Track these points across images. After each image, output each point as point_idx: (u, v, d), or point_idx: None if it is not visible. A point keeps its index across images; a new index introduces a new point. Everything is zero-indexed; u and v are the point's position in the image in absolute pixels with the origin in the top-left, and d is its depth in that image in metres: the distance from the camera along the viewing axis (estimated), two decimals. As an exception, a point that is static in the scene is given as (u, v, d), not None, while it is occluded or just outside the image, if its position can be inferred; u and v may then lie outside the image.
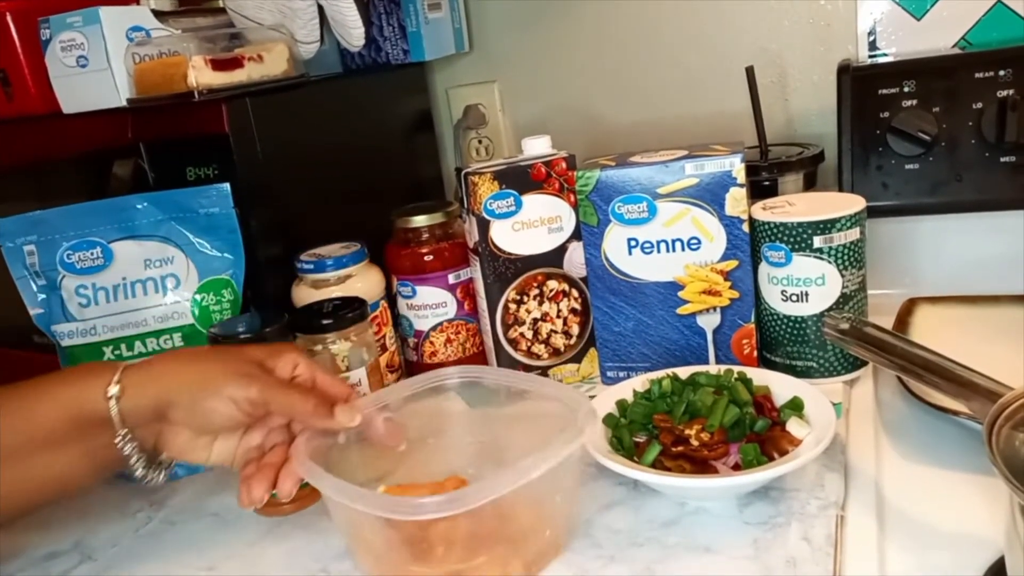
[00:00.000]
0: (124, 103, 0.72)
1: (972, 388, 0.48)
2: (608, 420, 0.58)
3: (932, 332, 0.68)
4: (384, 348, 0.73)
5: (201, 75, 0.67)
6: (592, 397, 0.61)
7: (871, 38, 0.83)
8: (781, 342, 0.66)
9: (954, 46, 0.80)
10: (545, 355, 0.73)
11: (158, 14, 0.76)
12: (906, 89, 0.74)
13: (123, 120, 0.72)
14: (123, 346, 0.66)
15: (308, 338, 0.61)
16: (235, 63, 0.70)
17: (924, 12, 0.80)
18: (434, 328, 0.75)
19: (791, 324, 0.65)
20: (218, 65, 0.69)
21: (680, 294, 0.66)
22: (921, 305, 0.73)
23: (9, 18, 0.76)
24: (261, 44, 0.74)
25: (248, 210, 0.69)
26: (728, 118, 0.89)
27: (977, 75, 0.72)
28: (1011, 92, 0.70)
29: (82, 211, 0.67)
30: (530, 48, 0.98)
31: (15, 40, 0.76)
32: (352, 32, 0.72)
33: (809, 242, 0.62)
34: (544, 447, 0.46)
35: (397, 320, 0.77)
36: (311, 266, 0.70)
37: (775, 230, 0.63)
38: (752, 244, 0.65)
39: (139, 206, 0.67)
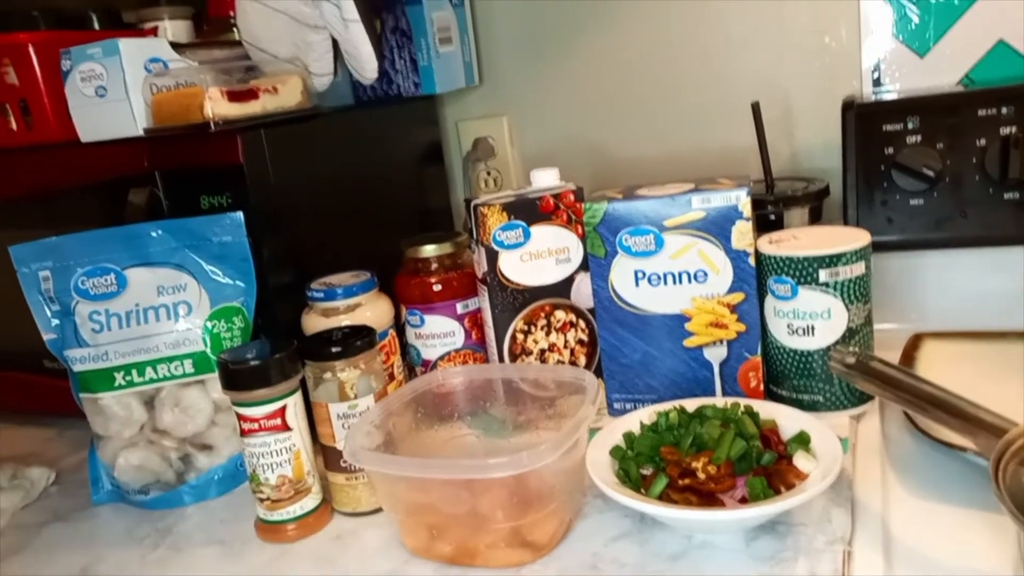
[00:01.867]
0: (141, 132, 0.73)
1: (978, 424, 0.48)
2: (615, 452, 0.58)
3: (938, 367, 0.69)
4: (392, 377, 0.74)
5: (217, 106, 0.69)
6: (598, 429, 0.61)
7: (875, 75, 0.84)
8: (787, 375, 0.66)
9: (957, 83, 0.81)
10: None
11: (176, 46, 0.78)
12: (910, 125, 0.75)
13: (139, 149, 0.74)
14: (134, 372, 0.67)
15: (317, 365, 0.61)
16: (250, 95, 0.71)
17: (927, 50, 0.82)
18: (442, 357, 0.76)
19: (797, 357, 0.65)
20: (234, 96, 0.70)
21: (687, 326, 0.67)
22: (927, 340, 0.74)
23: (31, 50, 0.78)
24: (276, 76, 0.75)
25: (260, 238, 0.70)
26: (734, 152, 0.91)
27: (980, 112, 0.73)
28: (1014, 129, 0.71)
29: (97, 238, 0.68)
30: (538, 82, 0.99)
31: (36, 71, 0.78)
32: (366, 66, 0.74)
33: (815, 276, 0.62)
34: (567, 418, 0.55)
35: (405, 349, 0.77)
36: (321, 294, 0.71)
37: (781, 264, 0.63)
38: (758, 277, 0.65)
39: (154, 234, 0.68)
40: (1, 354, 0.90)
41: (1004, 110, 0.72)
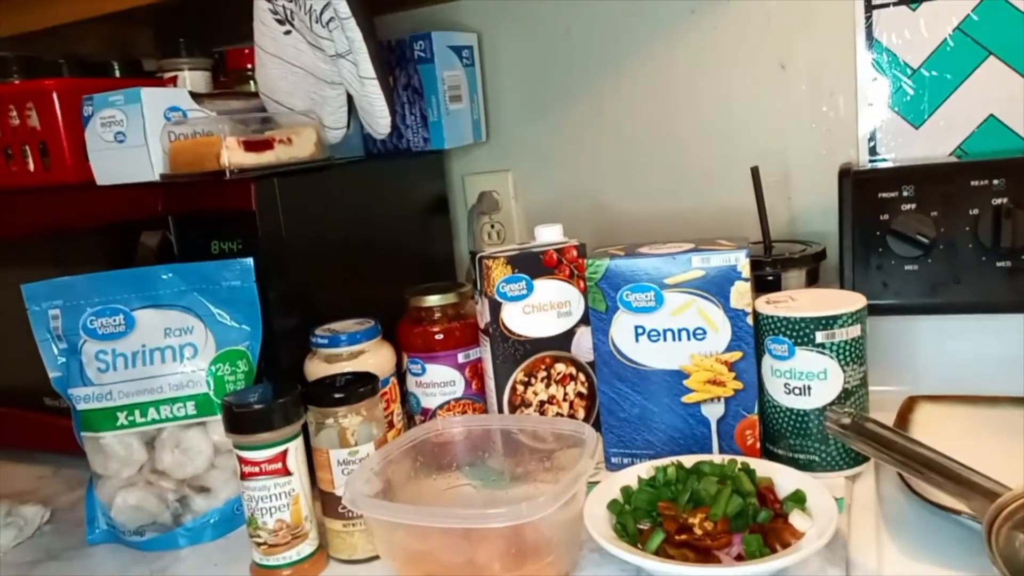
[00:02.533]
0: (157, 178, 0.75)
1: (972, 487, 0.49)
2: (612, 506, 0.59)
3: (932, 430, 0.69)
4: (391, 425, 0.74)
5: (234, 155, 0.71)
6: (595, 483, 0.62)
7: (871, 143, 0.87)
8: (784, 435, 0.67)
9: (951, 154, 0.84)
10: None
11: (195, 95, 0.80)
12: (905, 193, 0.77)
13: (155, 193, 0.75)
14: (137, 412, 0.67)
15: (320, 411, 0.62)
16: (266, 145, 0.74)
17: (922, 121, 0.85)
18: (441, 406, 0.76)
19: (794, 417, 0.66)
20: (250, 146, 0.72)
21: (685, 383, 0.68)
22: (921, 403, 0.75)
23: (55, 95, 0.80)
24: (291, 128, 0.78)
25: (267, 284, 0.71)
26: (733, 213, 0.93)
27: (973, 183, 0.75)
28: (1005, 200, 0.73)
29: (108, 279, 0.69)
30: (543, 140, 1.02)
31: (58, 115, 0.81)
32: (379, 121, 0.76)
33: (812, 337, 0.64)
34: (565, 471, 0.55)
35: (405, 397, 0.78)
36: (325, 341, 0.72)
37: (778, 324, 0.65)
38: (756, 337, 0.66)
39: (164, 276, 0.69)
40: (2, 390, 0.90)
41: (996, 181, 0.74)
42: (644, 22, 0.94)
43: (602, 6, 0.96)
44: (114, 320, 0.68)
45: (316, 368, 0.73)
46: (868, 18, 0.84)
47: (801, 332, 0.64)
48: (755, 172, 0.81)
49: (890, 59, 0.84)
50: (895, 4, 0.83)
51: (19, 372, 0.87)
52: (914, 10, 0.82)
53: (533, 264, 0.71)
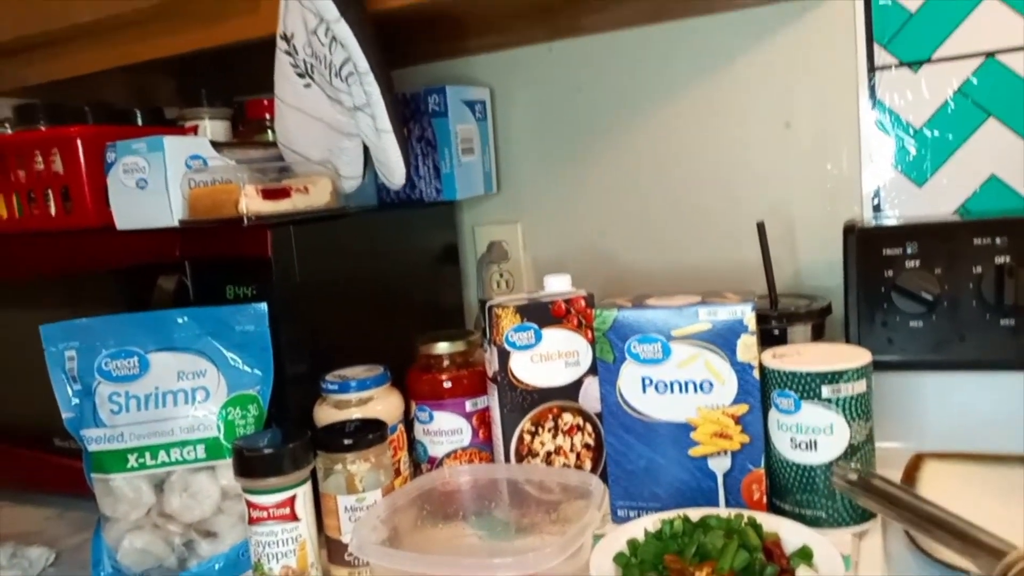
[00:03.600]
0: (176, 223, 0.77)
1: (978, 545, 0.49)
2: (619, 559, 0.59)
3: (939, 488, 0.69)
4: (398, 472, 0.74)
5: (252, 203, 0.73)
6: (601, 535, 0.62)
7: (875, 201, 0.89)
8: (790, 489, 0.67)
9: (954, 212, 0.85)
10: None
11: (215, 144, 0.83)
12: (909, 250, 0.78)
13: (173, 238, 0.77)
14: (147, 454, 0.68)
15: (329, 456, 0.63)
16: (283, 193, 0.76)
17: (925, 180, 0.86)
18: (448, 455, 0.77)
19: (800, 472, 0.66)
20: (268, 194, 0.74)
21: (692, 435, 0.68)
22: (928, 460, 0.75)
23: (79, 142, 0.83)
24: (307, 177, 0.80)
25: (280, 329, 0.72)
26: (740, 267, 0.94)
27: (976, 241, 0.76)
28: (1008, 259, 0.74)
29: (125, 321, 0.70)
30: (552, 192, 1.04)
31: (81, 161, 0.83)
32: (394, 172, 0.78)
33: (818, 391, 0.64)
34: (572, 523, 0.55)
35: (412, 445, 0.78)
36: (335, 387, 0.73)
37: (785, 378, 0.65)
38: (762, 390, 0.67)
39: (180, 320, 0.70)
40: (12, 430, 0.91)
41: (998, 240, 0.75)
42: (653, 80, 0.97)
43: (612, 64, 0.98)
44: (129, 362, 0.69)
45: (325, 413, 0.73)
46: (871, 79, 0.87)
47: (807, 386, 0.64)
48: (761, 227, 0.82)
49: (893, 119, 0.86)
50: (897, 66, 0.85)
51: (29, 412, 0.88)
52: (915, 72, 0.85)
53: (542, 313, 0.72)
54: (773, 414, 0.67)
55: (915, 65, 0.85)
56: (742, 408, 0.67)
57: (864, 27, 0.86)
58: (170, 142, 0.78)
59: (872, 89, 0.87)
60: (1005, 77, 0.81)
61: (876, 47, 0.86)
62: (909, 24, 0.84)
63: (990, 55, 0.82)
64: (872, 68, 0.86)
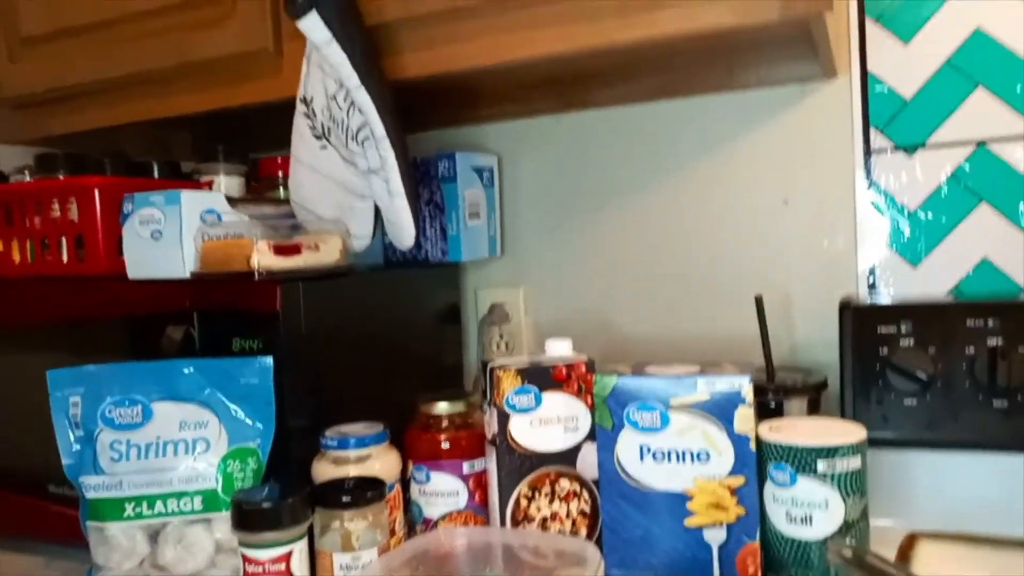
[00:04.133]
0: (187, 275, 0.78)
1: (972, 628, 0.49)
2: (612, 627, 0.59)
3: (933, 569, 0.69)
4: (393, 532, 0.74)
5: (263, 258, 0.74)
6: (597, 601, 0.62)
7: (870, 279, 0.91)
8: (785, 564, 0.67)
9: (948, 293, 0.87)
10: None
11: (229, 199, 0.85)
12: (903, 329, 0.80)
13: (183, 289, 0.79)
14: (144, 504, 0.68)
15: (327, 513, 0.63)
16: (294, 250, 0.77)
17: (919, 260, 0.88)
18: (443, 516, 0.77)
19: (796, 547, 0.66)
20: (280, 250, 0.76)
21: (688, 505, 0.68)
22: (922, 541, 0.75)
23: (96, 191, 0.85)
24: (319, 235, 0.82)
25: (283, 383, 0.73)
26: (737, 338, 0.96)
27: (969, 323, 0.78)
28: (1000, 341, 0.76)
29: (131, 370, 0.71)
30: (555, 258, 1.06)
31: (97, 210, 0.85)
32: (405, 234, 0.80)
33: (813, 466, 0.65)
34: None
35: (407, 505, 0.78)
36: (335, 443, 0.73)
37: (781, 451, 0.66)
38: (758, 463, 0.68)
39: (186, 371, 0.71)
40: (6, 474, 0.91)
41: (991, 322, 0.77)
42: (657, 154, 1.00)
43: (619, 137, 1.02)
44: (132, 411, 0.70)
45: (323, 469, 0.74)
46: (867, 161, 0.90)
47: (803, 461, 0.65)
48: (759, 301, 0.84)
49: (888, 200, 0.89)
50: (893, 150, 0.89)
51: (25, 457, 0.88)
52: (910, 156, 0.88)
53: (543, 377, 0.73)
54: (769, 487, 0.67)
55: (910, 149, 0.88)
56: (738, 480, 0.67)
57: (861, 111, 0.90)
58: (187, 196, 0.80)
59: (868, 171, 0.90)
60: (996, 165, 0.84)
61: (872, 131, 0.89)
62: (904, 111, 0.88)
63: (981, 143, 0.85)
64: (868, 151, 0.90)
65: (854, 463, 0.65)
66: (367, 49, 0.76)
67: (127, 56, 0.92)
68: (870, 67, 0.89)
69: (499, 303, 1.08)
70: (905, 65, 0.87)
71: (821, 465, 0.65)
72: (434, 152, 0.99)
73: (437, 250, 0.98)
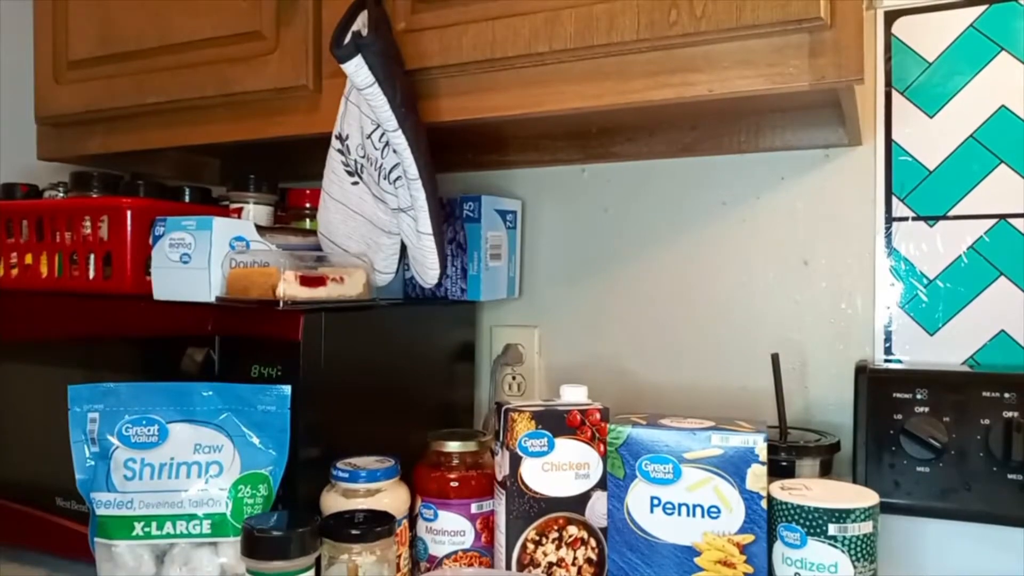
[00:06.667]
0: (213, 300, 0.80)
1: None
2: None
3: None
4: (398, 568, 0.74)
5: (289, 287, 0.76)
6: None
7: (887, 344, 0.91)
8: (792, 626, 0.66)
9: (963, 363, 0.87)
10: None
11: (258, 228, 0.86)
12: (919, 396, 0.80)
13: (206, 313, 0.80)
14: (153, 524, 0.68)
15: (335, 545, 0.63)
16: (319, 281, 0.79)
17: (936, 329, 0.89)
18: (449, 555, 0.76)
19: (803, 609, 0.65)
20: (305, 281, 0.77)
21: (696, 560, 0.68)
22: (931, 611, 0.74)
23: (128, 212, 0.87)
24: (343, 268, 0.83)
25: (298, 412, 0.74)
26: (750, 394, 0.96)
27: (985, 394, 0.78)
28: (1016, 415, 0.76)
29: (150, 390, 0.72)
30: (572, 303, 1.07)
31: (128, 230, 0.87)
32: (429, 272, 0.82)
33: (824, 528, 0.65)
34: None
35: (413, 542, 0.78)
36: (346, 475, 0.73)
37: (792, 511, 0.66)
38: (768, 522, 0.67)
39: (204, 394, 0.72)
40: (12, 486, 0.91)
41: (1007, 395, 0.77)
42: (678, 209, 1.01)
43: (640, 190, 1.03)
44: (149, 430, 0.71)
45: (332, 500, 0.74)
46: (888, 228, 0.91)
47: (814, 522, 0.65)
48: (775, 359, 0.84)
49: (907, 268, 0.90)
50: (914, 219, 0.90)
51: (34, 469, 0.89)
52: (931, 227, 0.89)
53: (557, 422, 0.74)
54: (778, 547, 0.67)
55: (931, 220, 0.89)
56: (748, 537, 0.67)
57: (884, 180, 0.91)
58: (219, 223, 0.81)
59: (889, 238, 0.91)
60: (1016, 240, 0.85)
61: (894, 199, 0.90)
62: (927, 182, 0.89)
63: (1002, 218, 0.86)
64: (890, 218, 0.91)
65: (866, 528, 0.65)
66: (406, 92, 0.78)
67: (168, 84, 0.95)
68: (894, 137, 0.90)
69: (514, 344, 1.09)
70: (929, 137, 0.89)
71: (832, 528, 0.64)
72: (459, 193, 1.00)
73: (456, 288, 0.99)
